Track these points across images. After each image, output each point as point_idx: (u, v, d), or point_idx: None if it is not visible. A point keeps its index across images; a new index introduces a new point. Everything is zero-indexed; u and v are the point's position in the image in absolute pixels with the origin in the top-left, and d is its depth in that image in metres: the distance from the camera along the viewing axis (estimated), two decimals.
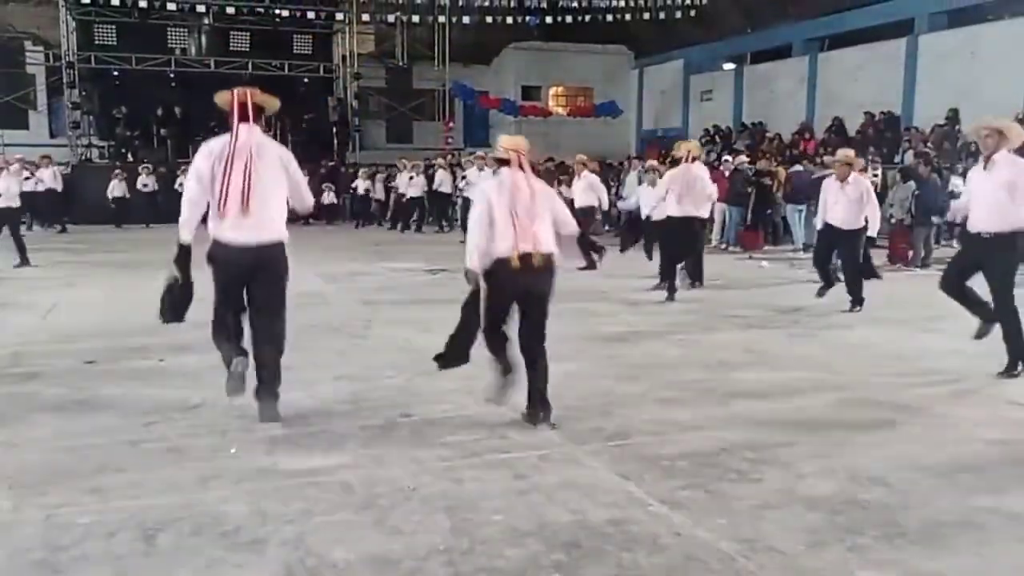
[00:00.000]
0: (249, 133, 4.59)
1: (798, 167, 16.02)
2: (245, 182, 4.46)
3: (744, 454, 4.17)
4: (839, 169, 8.55)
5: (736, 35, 27.73)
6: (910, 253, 12.49)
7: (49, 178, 19.46)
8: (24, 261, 12.01)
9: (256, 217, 4.50)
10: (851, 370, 6.05)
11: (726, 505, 3.54)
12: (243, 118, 4.58)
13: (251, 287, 4.62)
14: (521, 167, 4.78)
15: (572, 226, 5.08)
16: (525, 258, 4.53)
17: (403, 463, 4.03)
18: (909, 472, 3.93)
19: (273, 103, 4.79)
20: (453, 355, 4.97)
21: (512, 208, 4.59)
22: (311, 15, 25.45)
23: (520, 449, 4.25)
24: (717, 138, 25.07)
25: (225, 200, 4.47)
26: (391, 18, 27.45)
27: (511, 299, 4.67)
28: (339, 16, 26.51)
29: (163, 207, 22.07)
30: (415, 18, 27.10)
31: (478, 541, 3.17)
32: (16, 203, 12.12)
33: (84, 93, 24.61)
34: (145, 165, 22.00)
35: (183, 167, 22.97)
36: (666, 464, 4.03)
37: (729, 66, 28.55)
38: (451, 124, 28.40)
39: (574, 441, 4.38)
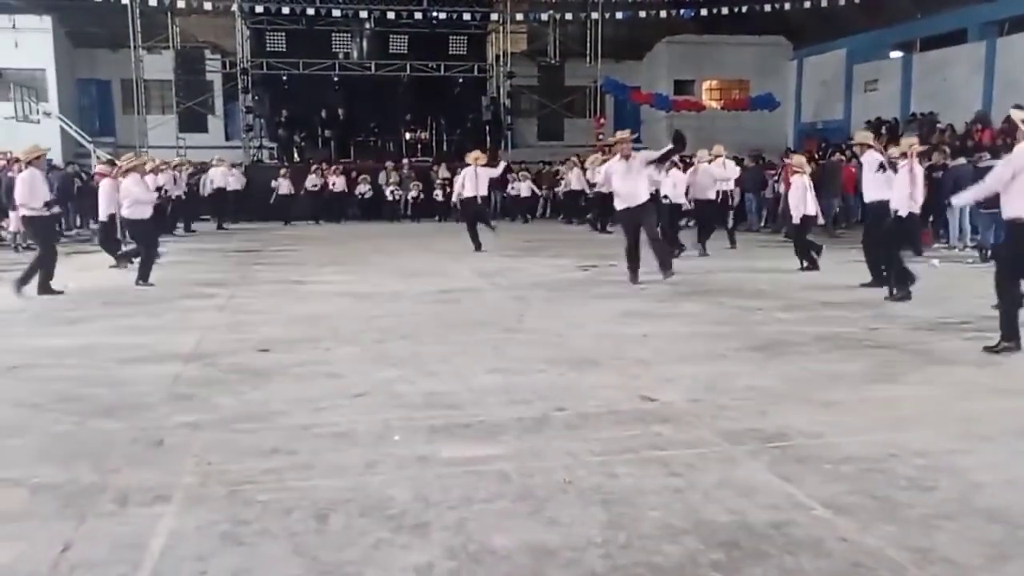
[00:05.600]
0: None
1: (960, 160, 15.06)
2: None
3: (914, 460, 3.96)
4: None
5: (904, 21, 26.27)
6: None
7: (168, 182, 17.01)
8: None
9: None
10: None
11: (895, 512, 3.38)
12: None
13: None
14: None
15: None
16: None
17: (558, 456, 4.07)
18: None
19: None
20: None
21: None
22: (466, 16, 26.02)
23: (675, 447, 4.20)
24: (883, 130, 23.86)
25: None
26: (544, 16, 27.69)
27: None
28: (493, 16, 26.99)
29: (328, 204, 23.22)
30: (568, 15, 27.22)
31: (635, 536, 3.17)
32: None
33: (256, 97, 26.15)
34: (318, 166, 23.19)
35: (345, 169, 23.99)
36: (829, 468, 3.89)
37: (896, 54, 27.09)
38: (602, 120, 28.29)
39: (731, 441, 4.30)
